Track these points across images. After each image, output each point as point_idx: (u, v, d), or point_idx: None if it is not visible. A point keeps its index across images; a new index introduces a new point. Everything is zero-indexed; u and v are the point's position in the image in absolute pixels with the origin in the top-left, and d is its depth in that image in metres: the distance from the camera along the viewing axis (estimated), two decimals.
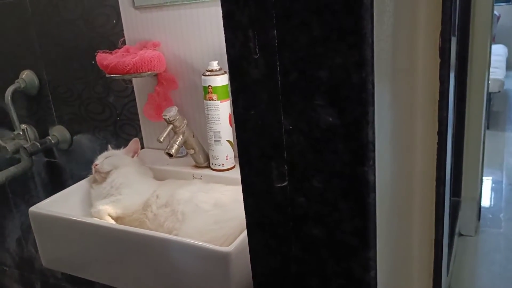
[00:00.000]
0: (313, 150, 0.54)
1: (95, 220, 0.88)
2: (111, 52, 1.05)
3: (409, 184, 0.73)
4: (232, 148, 1.00)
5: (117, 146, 1.11)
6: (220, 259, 0.72)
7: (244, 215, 0.80)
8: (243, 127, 0.59)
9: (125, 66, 0.98)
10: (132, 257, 0.81)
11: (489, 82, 2.51)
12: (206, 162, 1.03)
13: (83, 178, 1.33)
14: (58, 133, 1.30)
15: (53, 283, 1.58)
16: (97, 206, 0.91)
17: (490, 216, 2.58)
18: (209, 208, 0.84)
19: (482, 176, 2.59)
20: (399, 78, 0.63)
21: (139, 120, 1.18)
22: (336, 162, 0.52)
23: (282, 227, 0.60)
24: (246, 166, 0.61)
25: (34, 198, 1.47)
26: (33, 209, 0.91)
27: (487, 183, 2.90)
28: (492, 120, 3.80)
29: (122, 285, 0.86)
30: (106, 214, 0.90)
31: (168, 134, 0.95)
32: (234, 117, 0.59)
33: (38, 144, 1.28)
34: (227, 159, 1.00)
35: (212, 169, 1.01)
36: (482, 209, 2.57)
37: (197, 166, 1.04)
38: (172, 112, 0.94)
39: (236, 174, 0.99)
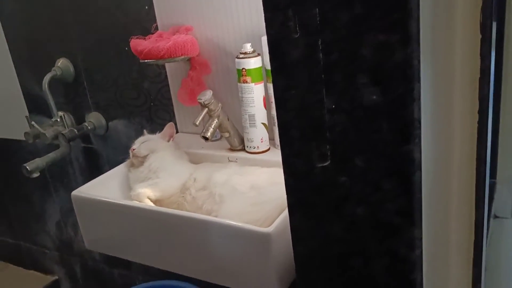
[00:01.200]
0: (356, 129, 0.53)
1: (136, 203, 0.90)
2: (145, 38, 1.06)
3: (448, 163, 0.71)
4: (267, 131, 1.00)
5: (152, 131, 1.12)
6: (260, 240, 0.72)
7: (282, 197, 0.80)
8: (283, 108, 0.59)
9: (159, 51, 0.99)
10: (172, 238, 0.83)
11: None
12: (240, 145, 1.04)
13: (120, 163, 1.36)
14: (94, 119, 1.33)
15: (91, 265, 1.63)
16: (137, 189, 0.93)
17: None
18: (246, 191, 0.85)
19: None
20: (439, 54, 0.61)
21: (172, 105, 1.19)
22: (380, 141, 0.52)
23: (324, 207, 0.60)
24: (286, 147, 0.61)
25: (72, 183, 1.51)
26: (75, 193, 0.94)
27: None
28: None
29: (163, 266, 0.88)
30: (146, 197, 0.92)
31: (204, 117, 0.96)
32: (274, 97, 0.60)
33: (75, 130, 1.31)
34: (262, 142, 1.00)
35: (247, 151, 1.02)
36: None
37: (232, 149, 1.04)
38: (207, 96, 0.95)
39: (271, 156, 1.00)
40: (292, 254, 0.80)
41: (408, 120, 0.49)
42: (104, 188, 0.98)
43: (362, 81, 0.51)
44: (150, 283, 1.39)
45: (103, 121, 1.33)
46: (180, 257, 0.83)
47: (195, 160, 1.05)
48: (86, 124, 1.33)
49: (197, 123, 0.94)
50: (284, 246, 0.75)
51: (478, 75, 0.69)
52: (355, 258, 0.59)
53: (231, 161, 1.02)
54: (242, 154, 1.02)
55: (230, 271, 0.78)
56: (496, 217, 2.51)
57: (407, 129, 0.50)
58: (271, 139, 1.02)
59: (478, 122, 0.72)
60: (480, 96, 0.71)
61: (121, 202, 0.89)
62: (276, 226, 0.73)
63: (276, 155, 1.00)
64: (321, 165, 0.59)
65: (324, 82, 0.54)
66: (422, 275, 0.57)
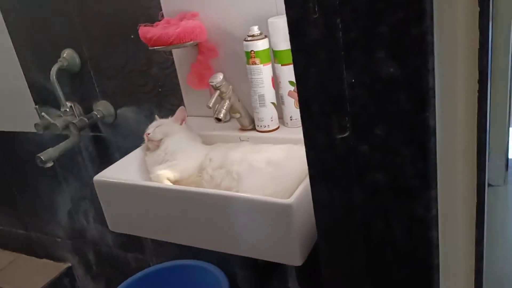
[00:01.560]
0: (375, 101, 0.58)
1: (159, 184, 0.94)
2: (152, 25, 1.09)
3: (452, 131, 0.76)
4: (276, 110, 1.04)
5: (163, 116, 1.16)
6: (282, 211, 0.77)
7: (299, 170, 0.85)
8: (304, 85, 0.63)
9: (169, 38, 1.02)
10: (196, 215, 0.87)
11: None
12: (251, 125, 1.08)
13: (130, 150, 1.40)
14: (102, 107, 1.36)
15: (105, 251, 1.67)
16: (156, 171, 0.97)
17: None
18: (263, 167, 0.89)
19: (509, 126, 2.60)
20: (443, 27, 0.66)
21: (181, 90, 1.22)
22: (398, 111, 0.56)
23: (345, 176, 0.65)
24: (307, 121, 0.65)
25: (82, 172, 1.54)
26: (97, 178, 0.98)
27: None
28: None
29: (187, 242, 0.93)
30: (165, 178, 0.96)
31: (216, 99, 0.99)
32: (295, 75, 0.64)
33: (85, 119, 1.34)
34: (272, 121, 1.04)
35: (257, 131, 1.06)
36: (509, 159, 2.58)
37: (243, 129, 1.08)
38: (218, 78, 0.99)
39: (281, 134, 1.04)
40: (312, 222, 0.86)
41: (424, 90, 0.54)
42: (123, 172, 1.02)
43: (380, 56, 0.55)
44: (168, 263, 1.45)
45: (112, 109, 1.36)
46: (204, 233, 0.88)
47: (207, 141, 1.09)
48: (95, 112, 1.36)
49: (210, 105, 0.98)
50: (304, 215, 0.80)
51: (478, 47, 0.74)
52: (377, 222, 0.64)
53: (243, 140, 1.06)
54: (253, 134, 1.07)
55: (253, 242, 0.83)
56: (489, 185, 2.59)
57: (423, 99, 0.54)
58: (280, 117, 1.06)
59: (478, 92, 0.77)
60: (480, 66, 0.76)
61: (144, 184, 0.93)
62: (296, 197, 0.77)
63: (286, 133, 1.04)
64: (341, 136, 0.64)
65: (344, 58, 0.58)
66: (438, 233, 0.62)
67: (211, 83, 0.99)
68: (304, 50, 0.61)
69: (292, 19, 0.61)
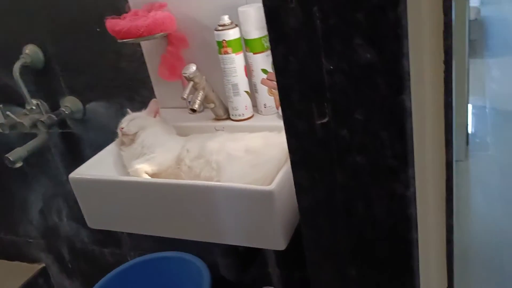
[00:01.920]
0: (354, 87, 0.60)
1: (137, 178, 0.94)
2: (119, 18, 1.07)
3: (423, 111, 0.80)
4: (250, 98, 1.05)
5: (134, 110, 1.15)
6: (264, 198, 0.79)
7: (277, 157, 0.87)
8: (283, 74, 0.65)
9: (138, 30, 1.01)
10: (177, 207, 0.87)
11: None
12: (225, 114, 1.08)
13: (102, 145, 1.37)
14: (70, 103, 1.33)
15: (80, 248, 1.65)
16: (134, 166, 0.96)
17: (478, 140, 2.72)
18: (242, 155, 0.90)
19: (468, 102, 2.70)
20: (411, 11, 0.68)
21: (151, 82, 1.21)
22: (376, 95, 0.59)
23: (326, 160, 0.67)
24: (287, 109, 0.67)
25: (53, 170, 1.51)
26: (73, 175, 0.97)
27: (471, 109, 3.01)
28: (470, 49, 3.89)
29: (169, 234, 0.94)
30: (143, 172, 0.96)
31: (190, 90, 0.99)
32: (274, 64, 0.65)
33: (53, 116, 1.30)
34: (246, 109, 1.05)
35: (232, 120, 1.07)
36: (469, 135, 2.70)
37: (218, 119, 1.09)
38: (191, 69, 0.98)
39: (256, 121, 1.05)
40: (293, 207, 0.88)
41: (401, 74, 0.56)
42: (98, 168, 1.01)
43: (358, 43, 0.57)
44: (147, 256, 1.44)
45: (80, 104, 1.33)
46: (186, 224, 0.88)
47: (182, 132, 1.09)
48: (62, 109, 1.33)
49: (185, 97, 0.98)
50: (285, 200, 0.82)
51: (442, 29, 0.77)
52: (358, 202, 0.67)
53: (218, 130, 1.06)
54: (228, 123, 1.07)
55: (237, 230, 0.84)
56: None
57: (400, 82, 0.57)
58: (254, 105, 1.07)
59: (444, 72, 0.80)
60: (445, 47, 0.80)
61: (122, 179, 0.93)
62: (277, 183, 0.79)
63: (260, 120, 1.05)
64: (321, 122, 0.65)
65: (322, 46, 0.59)
66: (416, 210, 0.66)
67: (184, 74, 0.98)
68: (283, 39, 0.63)
69: (269, 9, 0.62)
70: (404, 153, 0.61)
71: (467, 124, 2.69)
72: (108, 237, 1.56)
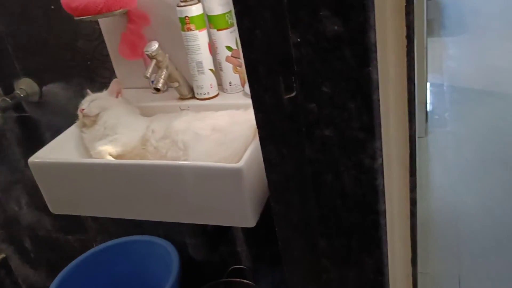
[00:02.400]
0: (321, 59, 0.59)
1: (101, 160, 0.91)
2: None
3: (386, 84, 0.81)
4: (215, 76, 1.04)
5: (94, 90, 1.11)
6: (232, 176, 0.78)
7: (245, 134, 0.86)
8: (249, 47, 0.64)
9: (96, 6, 0.97)
10: (144, 188, 0.86)
11: None
12: (190, 93, 1.06)
13: (62, 128, 1.33)
14: (25, 86, 1.27)
15: (43, 236, 1.60)
16: (97, 148, 0.93)
17: (436, 117, 2.80)
18: (209, 134, 0.89)
19: (427, 80, 2.77)
20: None
21: (111, 62, 1.17)
22: (343, 67, 0.59)
23: (295, 134, 0.67)
24: (255, 84, 0.66)
25: (9, 156, 1.45)
26: (32, 159, 0.93)
27: (429, 86, 3.09)
28: (428, 28, 3.98)
29: (137, 216, 0.92)
30: (107, 153, 0.93)
31: (153, 69, 0.97)
32: (240, 38, 0.64)
33: (8, 99, 1.24)
34: (211, 88, 1.03)
35: (197, 99, 1.05)
36: (428, 112, 2.77)
37: (182, 98, 1.07)
38: (153, 47, 0.96)
39: (221, 100, 1.04)
40: (262, 184, 0.88)
41: (368, 46, 0.56)
42: (59, 151, 0.98)
43: (325, 14, 0.56)
44: (113, 241, 1.42)
45: (36, 87, 1.28)
46: (154, 205, 0.87)
47: (146, 113, 1.06)
48: (17, 92, 1.27)
49: (148, 75, 0.95)
50: (254, 177, 0.82)
51: (404, 4, 0.78)
52: (327, 175, 0.68)
53: (183, 109, 1.05)
54: (193, 102, 1.05)
55: (206, 209, 0.83)
56: None
57: (367, 54, 0.57)
58: (219, 84, 1.06)
59: (407, 46, 0.81)
60: (407, 22, 0.80)
61: (85, 161, 0.90)
62: (246, 161, 0.79)
63: (226, 99, 1.04)
64: (288, 96, 0.65)
65: (288, 18, 0.58)
66: (383, 182, 0.67)
67: (146, 52, 0.95)
68: (248, 13, 0.61)
69: None
70: (371, 125, 0.61)
71: (426, 101, 2.76)
72: (72, 223, 1.52)
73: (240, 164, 0.77)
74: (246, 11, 0.61)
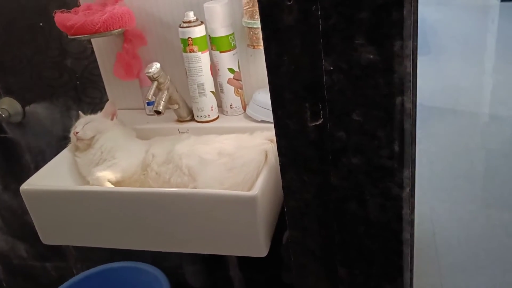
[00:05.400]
0: (353, 87, 0.58)
1: (101, 187, 0.86)
2: (70, 12, 0.98)
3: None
4: (216, 98, 1.01)
5: (82, 111, 1.06)
6: (247, 204, 0.75)
7: (255, 159, 0.84)
8: (275, 73, 0.62)
9: (94, 25, 0.93)
10: (150, 217, 0.81)
11: None
12: (189, 115, 1.03)
13: (44, 150, 1.26)
14: (7, 105, 1.20)
15: (18, 264, 1.51)
16: (95, 173, 0.88)
17: None
18: (215, 158, 0.86)
19: None
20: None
21: (103, 82, 1.13)
22: (376, 96, 0.58)
23: (319, 161, 0.65)
24: (279, 110, 0.65)
25: None
26: (24, 187, 0.87)
27: None
28: None
29: (140, 247, 0.87)
30: (106, 180, 0.88)
31: (154, 91, 0.93)
32: (266, 63, 0.62)
33: None
34: (212, 110, 1.01)
35: (197, 121, 1.02)
36: None
37: (180, 121, 1.03)
38: (155, 69, 0.92)
39: (222, 123, 1.01)
40: (273, 210, 0.85)
41: (403, 74, 0.56)
42: (53, 177, 0.92)
43: (360, 42, 0.56)
44: (97, 268, 1.34)
45: (18, 106, 1.21)
46: (160, 235, 0.83)
47: (143, 136, 1.02)
48: None
49: (150, 97, 0.92)
50: (267, 204, 0.80)
51: None
52: (351, 202, 0.66)
53: (182, 132, 1.01)
54: (192, 124, 1.02)
55: (216, 239, 0.80)
56: None
57: (401, 83, 0.56)
58: (219, 106, 1.03)
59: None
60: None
61: (83, 189, 0.85)
62: (260, 187, 0.76)
63: (227, 121, 1.02)
64: (314, 124, 0.64)
65: (322, 45, 0.57)
66: (409, 211, 0.66)
67: (147, 74, 0.92)
68: (277, 38, 0.60)
69: (264, 6, 0.59)
70: (401, 153, 0.61)
71: None
72: (50, 250, 1.44)
73: (255, 192, 0.75)
74: (275, 36, 0.60)
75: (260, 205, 0.76)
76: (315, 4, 0.56)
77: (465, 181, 2.29)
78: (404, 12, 0.53)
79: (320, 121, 0.63)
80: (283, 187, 0.70)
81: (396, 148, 0.60)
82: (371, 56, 0.56)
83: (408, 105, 0.58)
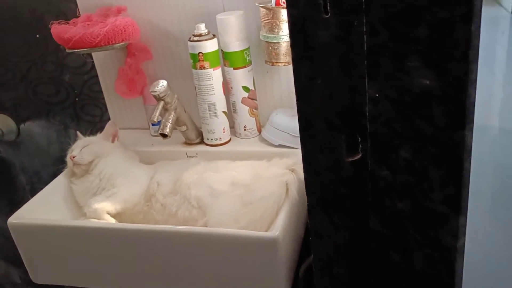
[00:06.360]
0: (401, 118, 0.48)
1: (99, 223, 0.76)
2: (68, 23, 0.89)
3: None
4: (228, 119, 0.91)
5: (80, 130, 0.96)
6: (266, 246, 0.65)
7: (276, 192, 0.73)
8: (306, 99, 0.52)
9: (94, 38, 0.83)
10: (155, 257, 0.71)
11: None
12: (198, 138, 0.93)
13: (39, 171, 1.16)
14: (0, 123, 1.11)
15: None
16: (92, 205, 0.78)
17: None
18: (228, 189, 0.76)
19: None
20: None
21: (103, 99, 1.03)
22: (429, 128, 0.48)
23: (355, 203, 0.55)
24: (308, 142, 0.55)
25: None
26: (12, 220, 0.76)
27: None
28: None
29: None
30: (105, 212, 0.78)
31: (160, 112, 0.83)
32: (296, 88, 0.52)
33: None
34: (224, 132, 0.91)
35: (207, 144, 0.92)
36: None
37: (188, 143, 0.93)
38: (161, 87, 0.82)
39: (234, 146, 0.91)
40: (295, 251, 0.75)
41: (464, 104, 0.46)
42: (46, 207, 0.82)
43: (414, 65, 0.46)
44: None
45: (13, 124, 1.11)
46: (165, 277, 0.72)
47: (146, 159, 0.92)
48: None
49: (155, 119, 0.82)
50: (289, 246, 0.69)
51: None
52: (393, 251, 0.56)
53: (191, 156, 0.91)
54: (201, 148, 0.92)
55: (229, 283, 0.70)
56: None
57: (462, 114, 0.46)
58: (231, 127, 0.94)
59: None
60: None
61: (78, 224, 0.75)
62: (281, 227, 0.66)
63: (239, 145, 0.92)
64: (351, 158, 0.53)
65: (366, 67, 0.47)
66: (463, 264, 0.55)
67: (153, 93, 0.82)
68: (309, 57, 0.50)
69: (295, 20, 0.49)
70: (457, 198, 0.50)
71: None
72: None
73: (275, 232, 0.65)
74: (307, 55, 0.50)
75: (281, 247, 0.65)
76: (358, 18, 0.46)
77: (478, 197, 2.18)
78: (472, 28, 0.42)
79: (359, 156, 0.52)
80: (310, 229, 0.60)
81: (452, 191, 0.50)
82: (427, 82, 0.45)
83: (470, 141, 0.48)
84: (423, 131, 0.48)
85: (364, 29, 0.46)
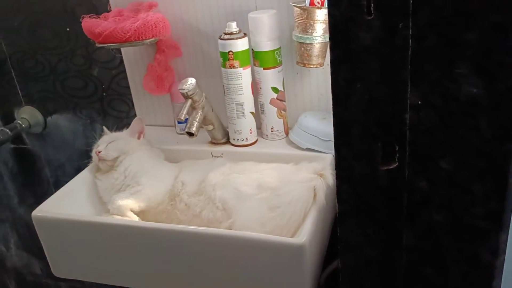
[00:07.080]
0: (445, 127, 0.46)
1: (122, 220, 0.75)
2: (99, 17, 0.88)
3: None
4: (255, 120, 0.89)
5: (106, 125, 0.96)
6: (293, 253, 0.63)
7: (303, 197, 0.71)
8: (343, 104, 0.50)
9: (125, 33, 0.83)
10: (177, 258, 0.70)
11: None
12: (224, 138, 0.92)
13: (63, 164, 1.17)
14: (27, 115, 1.12)
15: (31, 280, 1.42)
16: (116, 202, 0.77)
17: None
18: (254, 192, 0.74)
19: None
20: None
21: (131, 94, 1.02)
22: (474, 139, 0.45)
23: (390, 214, 0.53)
24: (343, 148, 0.52)
25: (0, 191, 1.27)
26: (36, 213, 0.76)
27: None
28: None
29: None
30: (128, 209, 0.77)
31: (188, 110, 0.82)
32: (332, 91, 0.50)
33: (7, 130, 1.08)
34: (250, 133, 0.89)
35: (233, 144, 0.91)
36: None
37: (214, 143, 0.92)
38: (190, 85, 0.81)
39: (260, 148, 0.90)
40: (320, 258, 0.73)
41: None
42: (70, 201, 0.81)
43: (461, 71, 0.43)
44: None
45: (40, 116, 1.12)
46: (186, 278, 0.71)
47: (171, 157, 0.91)
48: (19, 122, 1.11)
49: (183, 118, 0.80)
50: (315, 252, 0.67)
51: None
52: (428, 266, 0.53)
53: (216, 156, 0.90)
54: (227, 148, 0.91)
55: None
56: None
57: (511, 126, 0.43)
58: (258, 128, 0.92)
59: None
60: None
61: (101, 220, 0.74)
62: (308, 234, 0.64)
63: (266, 146, 0.90)
64: (387, 167, 0.51)
65: (410, 73, 0.45)
66: (500, 282, 0.52)
67: (181, 91, 0.81)
68: (349, 60, 0.48)
69: (336, 21, 0.47)
70: (500, 213, 0.47)
71: None
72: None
73: (302, 239, 0.63)
74: (346, 58, 0.47)
75: (307, 254, 0.63)
76: (404, 21, 0.43)
77: None
78: None
79: (395, 165, 0.50)
80: (339, 239, 0.57)
81: (494, 206, 0.47)
82: (475, 90, 0.43)
83: None
84: (467, 142, 0.45)
85: (410, 32, 0.43)
